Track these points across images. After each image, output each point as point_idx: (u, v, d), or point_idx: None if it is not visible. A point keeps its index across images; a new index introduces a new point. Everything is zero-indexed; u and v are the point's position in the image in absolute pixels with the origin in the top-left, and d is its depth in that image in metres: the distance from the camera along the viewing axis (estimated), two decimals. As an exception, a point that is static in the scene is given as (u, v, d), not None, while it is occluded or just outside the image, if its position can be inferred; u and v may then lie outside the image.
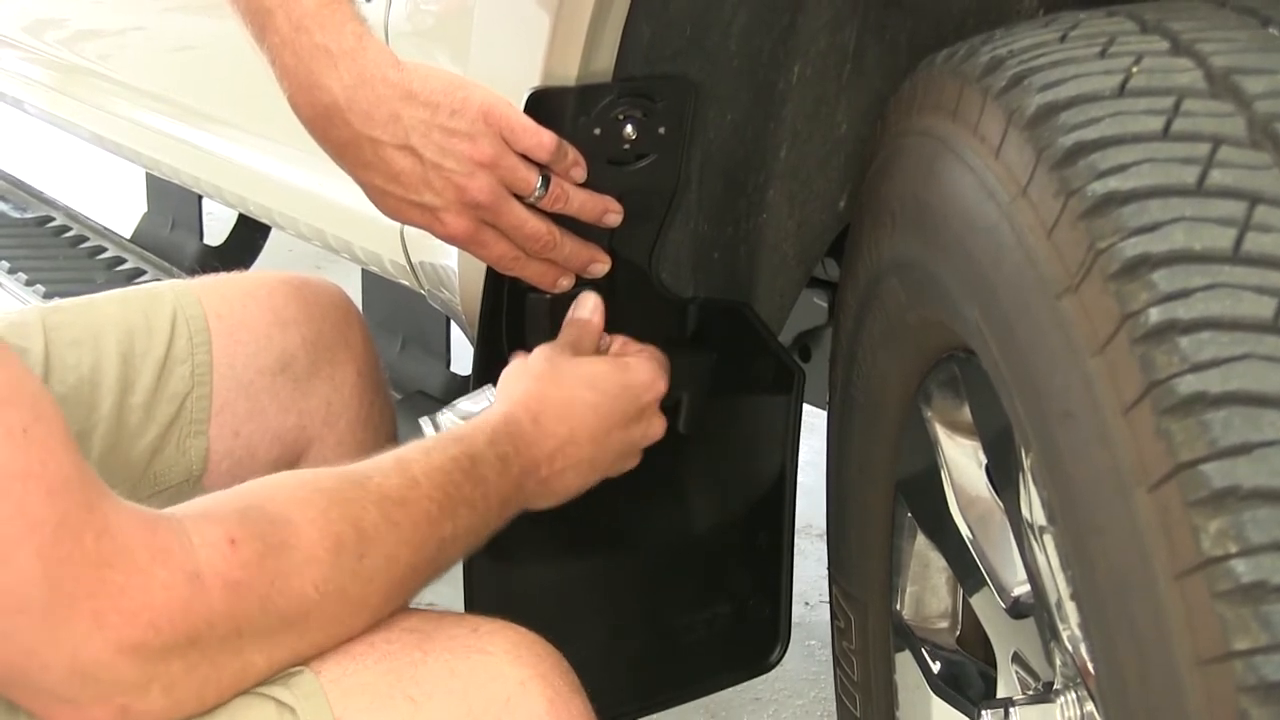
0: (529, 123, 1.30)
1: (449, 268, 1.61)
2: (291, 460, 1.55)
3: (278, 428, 1.56)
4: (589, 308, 1.43)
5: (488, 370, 1.45)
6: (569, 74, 1.33)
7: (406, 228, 1.71)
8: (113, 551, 0.97)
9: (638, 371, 1.41)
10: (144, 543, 0.98)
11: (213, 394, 1.51)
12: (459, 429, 1.29)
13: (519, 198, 1.33)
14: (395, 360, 2.19)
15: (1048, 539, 1.15)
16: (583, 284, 1.43)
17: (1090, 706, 1.18)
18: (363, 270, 2.10)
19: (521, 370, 1.38)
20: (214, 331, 1.52)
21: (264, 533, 1.05)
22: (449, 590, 2.74)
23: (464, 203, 1.31)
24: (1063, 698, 1.21)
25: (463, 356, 1.91)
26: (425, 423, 1.41)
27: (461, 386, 1.78)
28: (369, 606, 1.12)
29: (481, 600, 1.55)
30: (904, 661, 1.52)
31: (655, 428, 1.43)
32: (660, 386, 1.42)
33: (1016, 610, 1.28)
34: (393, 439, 1.64)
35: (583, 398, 1.36)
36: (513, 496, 1.28)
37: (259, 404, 1.55)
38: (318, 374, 1.58)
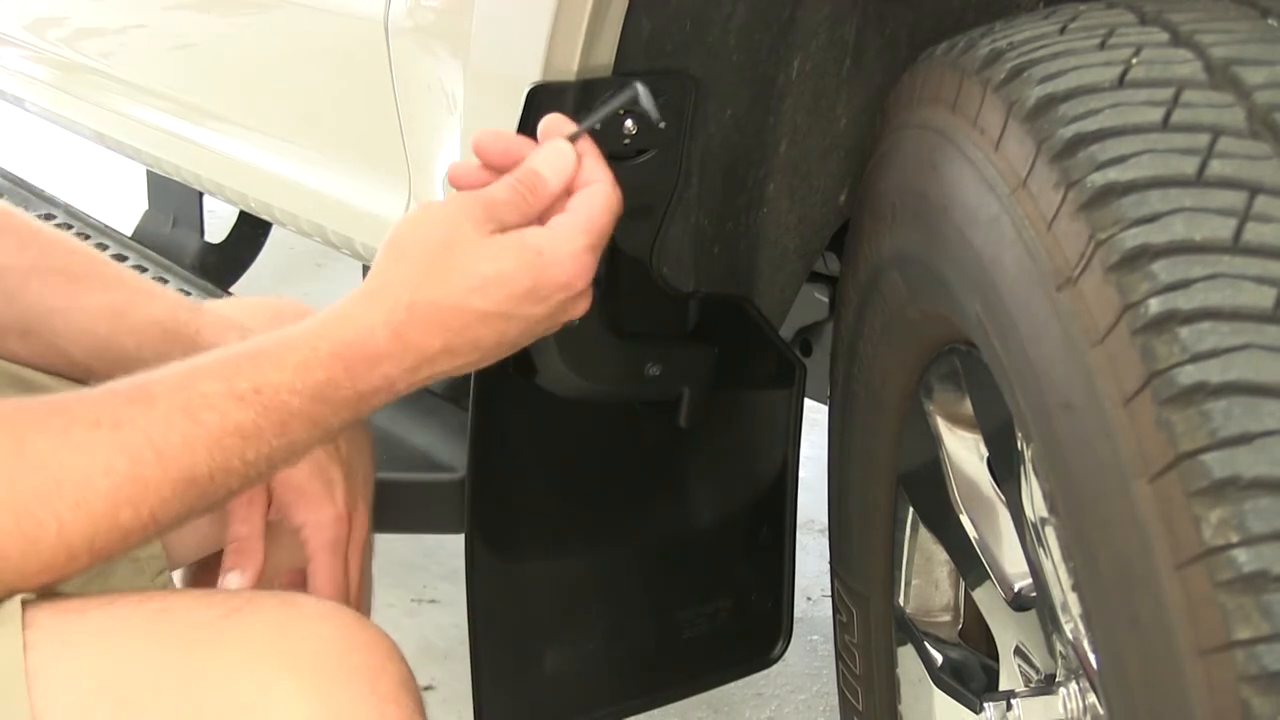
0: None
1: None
2: None
3: None
4: (554, 154, 1.22)
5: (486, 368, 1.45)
6: (569, 69, 1.33)
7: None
8: None
9: (556, 268, 1.15)
10: None
11: None
12: (264, 341, 1.09)
13: None
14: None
15: (1049, 531, 1.15)
16: None
17: (1092, 698, 1.19)
18: (363, 267, 2.10)
19: (412, 242, 1.15)
20: None
21: None
22: (450, 587, 2.75)
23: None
24: (1065, 689, 1.21)
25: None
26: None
27: (461, 384, 1.78)
28: (39, 538, 0.97)
29: (484, 594, 1.55)
30: (906, 655, 1.52)
31: (576, 310, 1.19)
32: (577, 283, 1.16)
33: (1018, 603, 1.29)
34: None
35: (473, 305, 1.12)
36: (343, 415, 1.10)
37: None
38: None
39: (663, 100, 1.36)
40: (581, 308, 1.19)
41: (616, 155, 1.37)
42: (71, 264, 1.38)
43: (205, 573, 1.40)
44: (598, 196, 1.20)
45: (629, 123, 1.36)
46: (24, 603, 0.97)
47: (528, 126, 1.35)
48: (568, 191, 1.21)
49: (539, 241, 1.15)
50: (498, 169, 1.21)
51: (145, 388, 1.03)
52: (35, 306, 1.35)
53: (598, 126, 1.26)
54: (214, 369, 1.06)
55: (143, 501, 1.00)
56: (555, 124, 1.24)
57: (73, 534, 0.98)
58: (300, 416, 1.07)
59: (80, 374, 1.34)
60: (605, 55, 1.33)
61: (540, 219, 1.19)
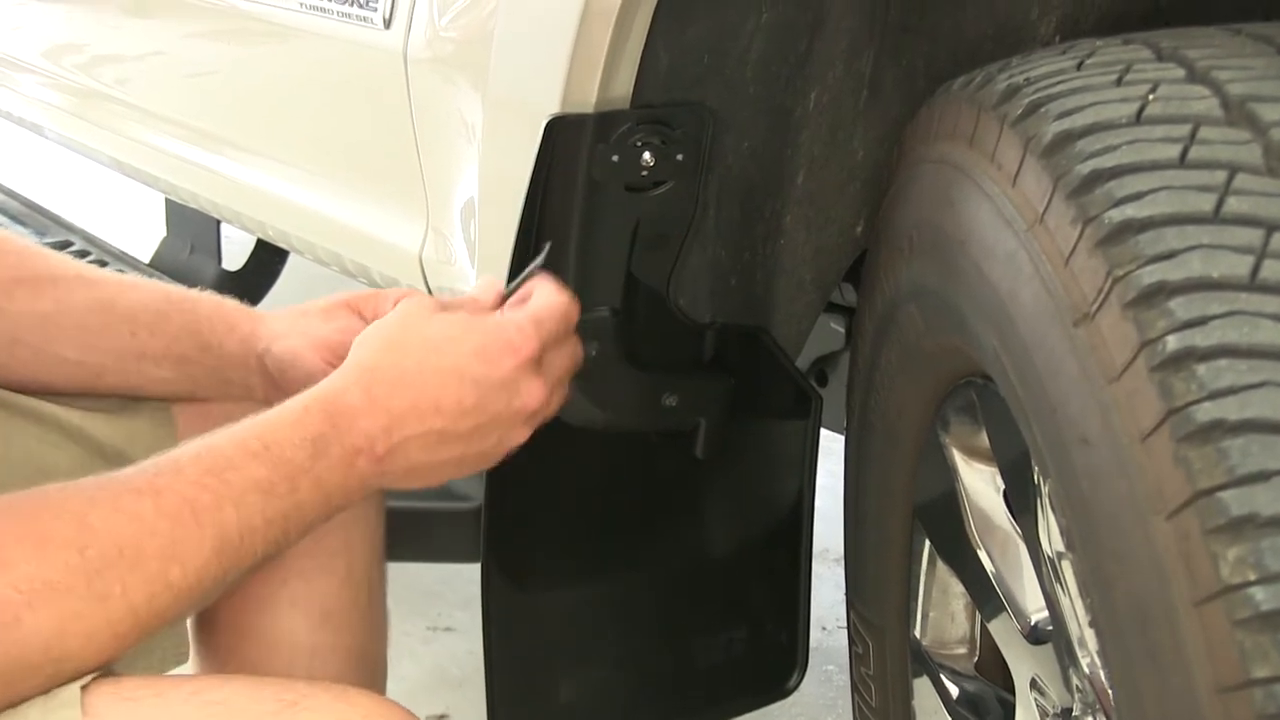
0: None
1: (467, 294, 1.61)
2: None
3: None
4: (484, 283, 1.34)
5: None
6: (587, 101, 1.34)
7: (425, 252, 1.72)
8: None
9: (499, 331, 1.24)
10: None
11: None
12: (267, 413, 1.17)
13: None
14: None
15: (1066, 565, 1.15)
16: (604, 311, 1.43)
17: (1109, 733, 1.18)
18: (381, 295, 2.11)
19: (369, 332, 1.26)
20: (181, 425, 1.45)
21: None
22: (465, 615, 2.75)
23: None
24: (1081, 724, 1.21)
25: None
26: None
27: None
28: (112, 601, 1.03)
29: (499, 622, 1.55)
30: (922, 687, 1.52)
31: (529, 395, 1.25)
32: (522, 347, 1.23)
33: (1035, 636, 1.28)
34: None
35: (428, 364, 1.22)
36: (339, 478, 1.17)
37: None
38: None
39: (681, 132, 1.37)
40: (534, 394, 1.25)
41: (634, 186, 1.38)
42: (51, 268, 1.41)
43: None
44: (547, 293, 1.29)
45: (646, 155, 1.37)
46: (82, 688, 1.01)
47: (546, 157, 1.36)
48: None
49: (486, 317, 1.26)
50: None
51: (171, 459, 1.10)
52: (24, 314, 1.38)
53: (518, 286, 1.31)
54: (225, 435, 1.13)
55: (189, 560, 1.07)
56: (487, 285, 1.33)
57: (135, 595, 1.04)
58: (306, 474, 1.14)
59: (70, 373, 1.39)
60: (623, 87, 1.34)
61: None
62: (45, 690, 1.01)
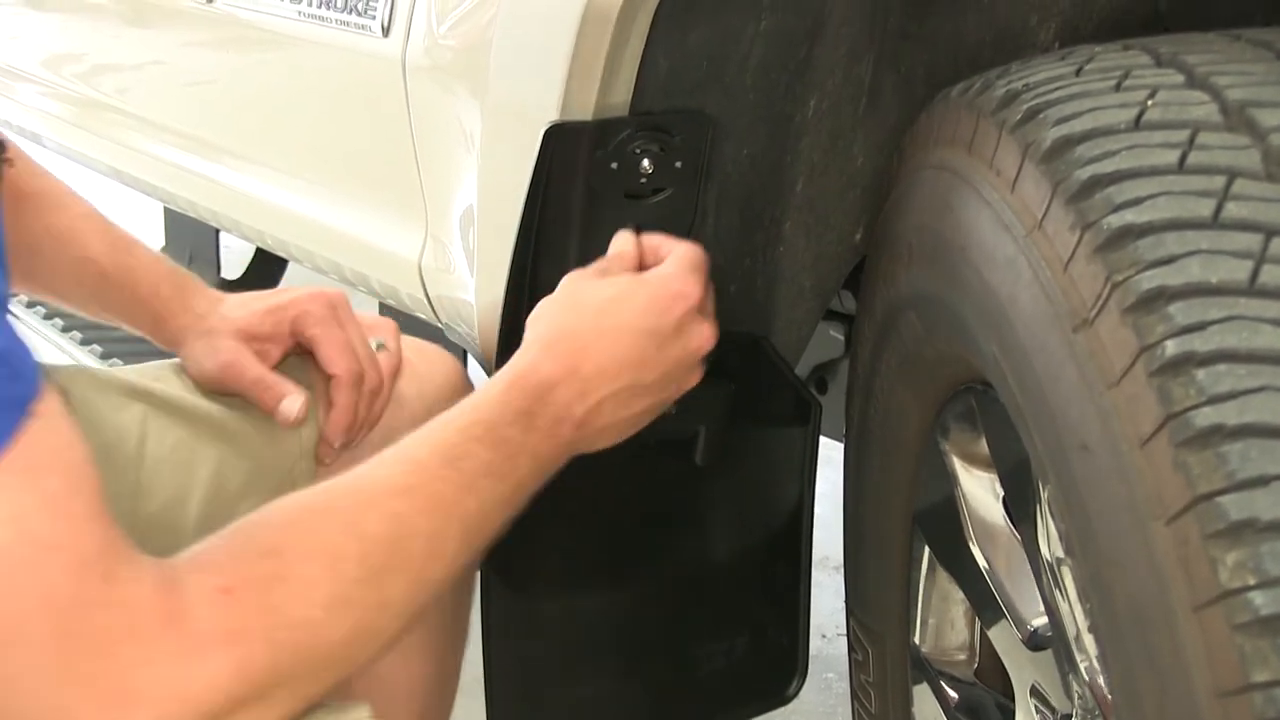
0: None
1: (466, 301, 1.61)
2: None
3: None
4: (621, 239, 1.37)
5: None
6: (586, 108, 1.34)
7: (424, 260, 1.72)
8: (124, 627, 0.94)
9: (664, 283, 1.31)
10: (153, 610, 0.95)
11: (317, 469, 1.50)
12: (470, 397, 1.24)
13: None
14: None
15: (1065, 571, 1.15)
16: None
17: (1109, 739, 1.18)
18: (380, 304, 2.11)
19: (541, 309, 1.31)
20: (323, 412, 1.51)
21: (253, 572, 1.01)
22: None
23: None
24: (1081, 730, 1.21)
25: (480, 389, 1.91)
26: None
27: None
28: (392, 605, 1.09)
29: (499, 630, 1.55)
30: (922, 694, 1.52)
31: (700, 337, 1.31)
32: (690, 293, 1.30)
33: (1034, 642, 1.28)
34: None
35: (606, 325, 1.28)
36: (548, 449, 1.24)
37: None
38: None
39: (680, 139, 1.37)
40: (704, 335, 1.32)
41: (633, 194, 1.38)
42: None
43: None
44: (683, 245, 1.34)
45: (645, 162, 1.37)
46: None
47: (544, 165, 1.36)
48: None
49: (644, 273, 1.33)
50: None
51: (407, 452, 1.16)
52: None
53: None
54: (445, 422, 1.19)
55: (444, 555, 1.13)
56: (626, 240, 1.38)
57: (406, 599, 1.10)
58: (522, 450, 1.20)
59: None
60: (622, 95, 1.34)
61: None
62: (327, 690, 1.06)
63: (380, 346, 1.54)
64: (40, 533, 0.91)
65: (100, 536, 0.94)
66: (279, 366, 1.48)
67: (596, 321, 1.28)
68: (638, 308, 1.28)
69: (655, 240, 1.35)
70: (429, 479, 1.13)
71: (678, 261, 1.32)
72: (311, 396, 1.48)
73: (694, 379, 1.33)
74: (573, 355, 1.25)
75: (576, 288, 1.31)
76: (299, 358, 1.52)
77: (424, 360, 1.61)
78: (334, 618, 1.04)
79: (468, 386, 1.62)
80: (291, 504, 1.09)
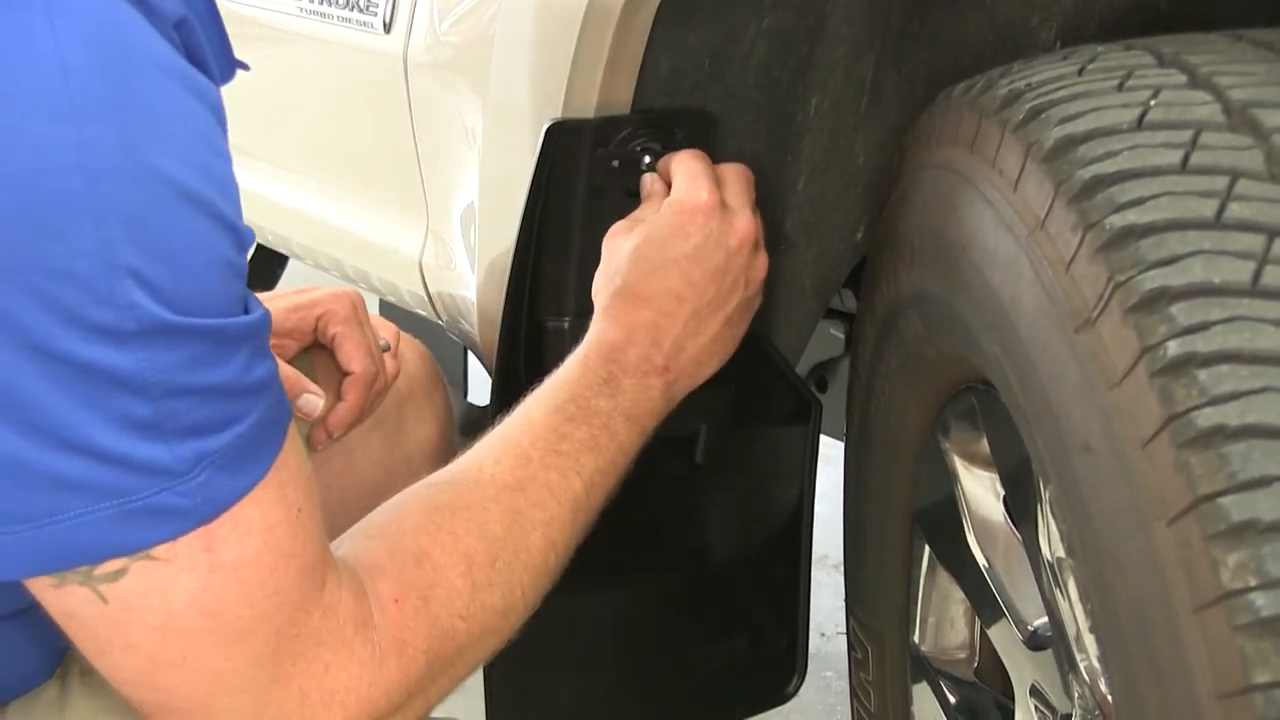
0: None
1: (467, 298, 1.61)
2: None
3: (367, 482, 1.58)
4: (648, 181, 1.38)
5: (505, 400, 1.45)
6: (588, 105, 1.33)
7: (425, 257, 1.72)
8: (329, 629, 1.00)
9: (675, 206, 1.32)
10: (351, 615, 1.01)
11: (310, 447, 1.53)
12: (554, 376, 1.27)
13: None
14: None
15: (1066, 571, 1.15)
16: None
17: (1109, 739, 1.18)
18: (380, 300, 2.11)
19: (595, 282, 1.34)
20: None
21: (414, 580, 1.06)
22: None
23: None
24: (1081, 730, 1.21)
25: (480, 387, 1.91)
26: None
27: (480, 416, 1.78)
28: (514, 606, 1.14)
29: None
30: (921, 693, 1.52)
31: (739, 226, 1.32)
32: (706, 197, 1.31)
33: (1034, 642, 1.28)
34: None
35: (644, 269, 1.30)
36: (643, 406, 1.27)
37: (353, 459, 1.58)
38: (404, 430, 1.63)
39: (682, 137, 1.37)
40: (760, 262, 1.35)
41: (634, 192, 1.38)
42: None
43: None
44: (679, 155, 1.36)
45: (647, 159, 1.37)
46: None
47: (546, 162, 1.35)
48: None
49: (661, 203, 1.34)
50: None
51: (510, 443, 1.20)
52: None
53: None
54: (537, 406, 1.23)
55: (558, 541, 1.18)
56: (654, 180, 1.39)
57: (530, 591, 1.16)
58: (615, 414, 1.24)
59: None
60: (624, 92, 1.34)
61: None
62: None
63: (385, 348, 1.56)
64: (283, 542, 0.97)
65: (320, 544, 1.01)
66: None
67: (636, 269, 1.30)
68: (664, 239, 1.31)
69: (666, 163, 1.37)
70: (537, 470, 1.17)
71: (680, 176, 1.33)
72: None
73: (761, 266, 1.36)
74: (629, 310, 1.29)
75: (612, 246, 1.34)
76: (304, 351, 1.55)
77: (402, 346, 1.68)
78: (468, 626, 1.09)
79: (435, 370, 1.70)
80: (421, 503, 1.13)
